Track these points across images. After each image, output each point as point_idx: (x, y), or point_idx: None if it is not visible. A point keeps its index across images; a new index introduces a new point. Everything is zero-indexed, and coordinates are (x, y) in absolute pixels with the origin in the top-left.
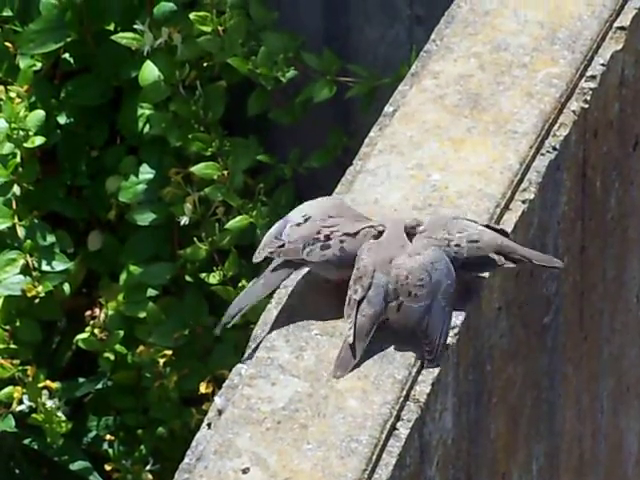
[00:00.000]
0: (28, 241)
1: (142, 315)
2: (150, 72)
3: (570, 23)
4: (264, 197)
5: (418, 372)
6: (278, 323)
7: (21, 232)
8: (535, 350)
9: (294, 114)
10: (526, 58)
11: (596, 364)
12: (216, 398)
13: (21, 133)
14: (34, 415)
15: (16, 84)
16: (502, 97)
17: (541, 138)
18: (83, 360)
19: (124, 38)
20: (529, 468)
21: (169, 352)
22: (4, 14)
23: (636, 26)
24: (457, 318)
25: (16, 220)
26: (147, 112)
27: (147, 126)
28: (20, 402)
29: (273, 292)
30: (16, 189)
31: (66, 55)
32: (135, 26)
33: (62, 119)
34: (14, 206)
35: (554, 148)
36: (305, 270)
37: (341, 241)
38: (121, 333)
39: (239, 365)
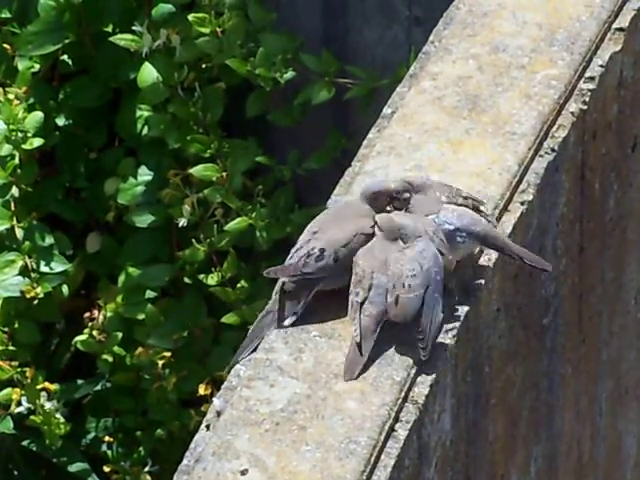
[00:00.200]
0: (27, 243)
1: (141, 317)
2: (149, 74)
3: (569, 24)
4: (263, 199)
5: (417, 374)
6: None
7: (20, 234)
8: (534, 351)
9: (293, 115)
10: (525, 59)
11: (595, 366)
12: (215, 400)
13: (19, 135)
14: (33, 417)
15: (14, 86)
16: (501, 98)
17: (540, 139)
18: (82, 362)
19: (122, 40)
20: (527, 470)
21: (168, 354)
22: (2, 16)
23: (635, 27)
24: (456, 319)
25: (15, 222)
26: (146, 114)
27: (146, 128)
28: (19, 404)
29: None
30: (15, 191)
31: (64, 57)
32: (133, 28)
33: (61, 121)
34: (13, 208)
35: (553, 149)
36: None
37: (335, 251)
38: (120, 335)
39: (237, 366)
